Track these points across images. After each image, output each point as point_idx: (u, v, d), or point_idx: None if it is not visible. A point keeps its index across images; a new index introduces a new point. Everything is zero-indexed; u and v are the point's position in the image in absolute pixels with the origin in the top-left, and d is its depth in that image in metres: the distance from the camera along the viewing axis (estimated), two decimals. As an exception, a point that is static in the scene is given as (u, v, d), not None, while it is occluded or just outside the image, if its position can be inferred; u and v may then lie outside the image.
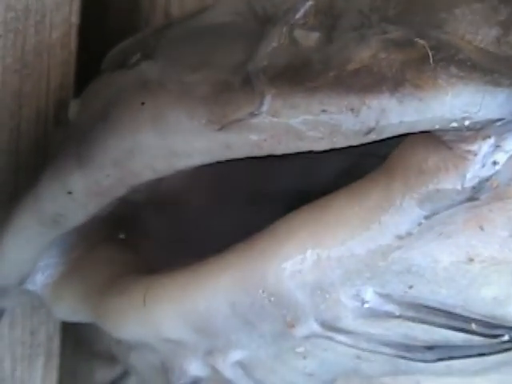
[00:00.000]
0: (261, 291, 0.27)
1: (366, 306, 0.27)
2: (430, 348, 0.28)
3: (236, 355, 0.29)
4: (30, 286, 0.33)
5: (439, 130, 0.24)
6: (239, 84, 0.25)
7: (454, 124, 0.24)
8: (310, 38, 0.25)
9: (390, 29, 0.24)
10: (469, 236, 0.26)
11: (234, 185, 0.34)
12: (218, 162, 0.26)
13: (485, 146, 0.25)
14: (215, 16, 0.28)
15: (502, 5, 0.25)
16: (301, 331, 0.28)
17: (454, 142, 0.25)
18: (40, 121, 0.35)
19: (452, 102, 0.23)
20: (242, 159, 0.26)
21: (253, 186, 0.34)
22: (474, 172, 0.25)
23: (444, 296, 0.27)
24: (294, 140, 0.25)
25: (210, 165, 0.27)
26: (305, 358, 0.29)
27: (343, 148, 0.25)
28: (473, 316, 0.27)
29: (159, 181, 0.28)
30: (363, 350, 0.28)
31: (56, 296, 0.33)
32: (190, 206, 0.34)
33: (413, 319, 0.27)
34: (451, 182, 0.25)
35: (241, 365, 0.29)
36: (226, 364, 0.29)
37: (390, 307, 0.27)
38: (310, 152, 0.25)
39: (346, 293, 0.27)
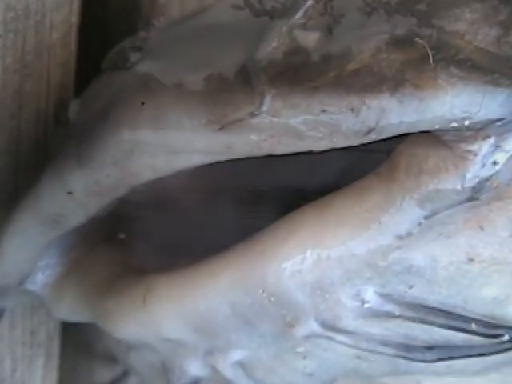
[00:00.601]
0: (261, 291, 0.27)
1: (366, 305, 0.27)
2: (429, 348, 0.28)
3: (236, 355, 0.29)
4: (30, 286, 0.33)
5: (439, 129, 0.24)
6: (239, 84, 0.25)
7: (454, 124, 0.24)
8: (309, 38, 0.25)
9: (392, 21, 0.24)
10: (469, 236, 0.26)
11: (234, 184, 0.34)
12: (218, 162, 0.26)
13: (485, 146, 0.25)
14: (215, 16, 0.28)
15: (502, 5, 0.25)
16: (301, 331, 0.28)
17: (454, 142, 0.25)
18: (40, 121, 0.35)
19: (452, 102, 0.23)
20: (241, 159, 0.26)
21: (253, 185, 0.34)
22: (474, 172, 0.25)
23: (444, 296, 0.27)
24: (294, 140, 0.25)
25: (210, 165, 0.27)
26: (305, 358, 0.29)
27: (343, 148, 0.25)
28: (473, 316, 0.27)
29: (159, 181, 0.28)
30: (363, 349, 0.28)
31: (56, 296, 0.33)
32: (189, 206, 0.34)
33: (413, 319, 0.27)
34: (451, 182, 0.25)
35: (241, 365, 0.29)
36: (226, 364, 0.29)
37: (390, 307, 0.27)
38: (310, 152, 0.25)
39: (346, 293, 0.27)
